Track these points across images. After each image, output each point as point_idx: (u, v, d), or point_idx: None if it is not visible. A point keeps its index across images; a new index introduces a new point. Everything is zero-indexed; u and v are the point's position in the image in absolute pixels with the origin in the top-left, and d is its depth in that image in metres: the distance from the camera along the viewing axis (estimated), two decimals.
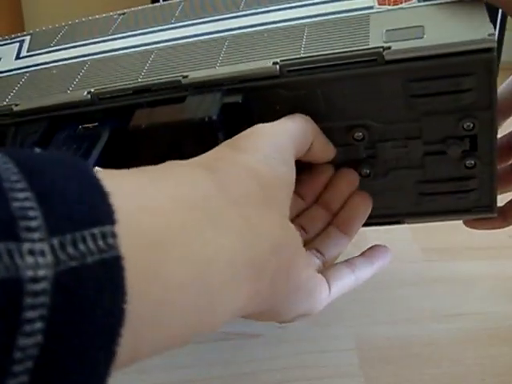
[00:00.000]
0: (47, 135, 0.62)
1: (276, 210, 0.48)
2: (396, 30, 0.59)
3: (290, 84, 0.59)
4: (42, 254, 0.30)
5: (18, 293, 0.29)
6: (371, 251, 0.61)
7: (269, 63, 0.59)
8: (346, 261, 0.59)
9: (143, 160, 0.59)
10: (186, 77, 0.61)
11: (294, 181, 0.52)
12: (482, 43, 0.54)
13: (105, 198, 0.34)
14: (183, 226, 0.39)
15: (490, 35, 0.54)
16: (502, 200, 0.65)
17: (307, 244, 0.60)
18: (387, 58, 0.56)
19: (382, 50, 0.56)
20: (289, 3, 0.67)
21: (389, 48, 0.56)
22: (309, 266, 0.54)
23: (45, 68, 0.70)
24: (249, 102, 0.59)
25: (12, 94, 0.67)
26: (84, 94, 0.63)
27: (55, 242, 0.30)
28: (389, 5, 0.63)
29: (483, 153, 0.60)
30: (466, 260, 0.80)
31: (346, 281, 0.57)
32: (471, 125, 0.58)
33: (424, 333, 0.73)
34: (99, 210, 0.33)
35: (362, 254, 0.61)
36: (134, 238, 0.35)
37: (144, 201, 0.38)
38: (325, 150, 0.59)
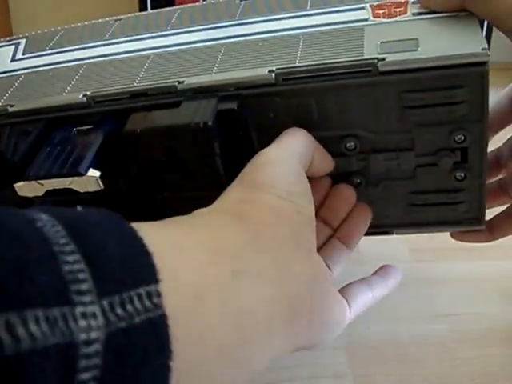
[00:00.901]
0: (42, 136, 0.62)
1: (305, 248, 0.49)
2: (390, 42, 0.60)
3: (284, 92, 0.59)
4: (94, 316, 0.30)
5: (73, 357, 0.29)
6: (385, 270, 0.62)
7: (264, 71, 0.60)
8: (363, 279, 0.60)
9: (138, 163, 0.61)
10: (182, 82, 0.61)
11: (314, 210, 0.52)
12: (475, 57, 0.55)
13: (148, 258, 0.35)
14: (220, 278, 0.40)
15: (483, 49, 0.55)
16: (489, 214, 0.65)
17: None
18: (381, 69, 0.57)
19: (376, 61, 0.57)
20: (285, 14, 0.68)
21: (383, 59, 0.57)
22: (336, 293, 0.55)
23: (41, 70, 0.70)
24: (244, 108, 0.59)
25: (7, 95, 0.67)
26: (80, 97, 0.63)
27: (105, 303, 0.31)
28: (383, 18, 0.64)
29: (473, 165, 0.61)
30: (455, 260, 0.80)
31: (364, 300, 0.58)
32: (462, 137, 0.59)
33: (414, 333, 0.74)
34: (143, 270, 0.34)
35: (377, 272, 0.62)
36: (176, 295, 0.36)
37: (182, 257, 0.39)
38: (325, 163, 0.60)
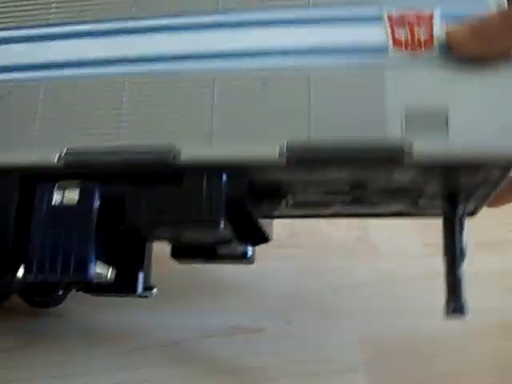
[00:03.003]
0: (24, 195, 0.58)
1: None
2: (417, 113, 0.53)
3: (295, 166, 0.54)
4: None
5: None
6: None
7: (275, 150, 0.54)
8: None
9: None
10: (178, 154, 0.55)
11: None
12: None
13: None
14: None
15: None
16: None
17: None
18: (407, 161, 0.52)
19: (402, 151, 0.52)
20: (281, 13, 0.58)
21: (410, 147, 0.52)
22: None
23: None
24: (252, 186, 0.57)
25: None
26: (55, 161, 0.56)
27: None
28: (406, 49, 0.55)
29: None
30: (468, 255, 0.78)
31: None
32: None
33: (429, 328, 0.73)
34: None
35: None
36: None
37: None
38: None
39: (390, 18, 0.56)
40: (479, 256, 0.81)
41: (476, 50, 0.53)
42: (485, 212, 0.63)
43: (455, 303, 0.61)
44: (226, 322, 0.75)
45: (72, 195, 0.57)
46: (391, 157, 0.52)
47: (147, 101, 0.57)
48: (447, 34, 0.54)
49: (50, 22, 0.61)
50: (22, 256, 0.56)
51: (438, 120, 0.53)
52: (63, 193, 0.57)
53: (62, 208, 0.56)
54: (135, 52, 0.59)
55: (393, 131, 0.53)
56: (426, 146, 0.52)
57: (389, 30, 0.56)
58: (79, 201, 0.56)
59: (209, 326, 0.75)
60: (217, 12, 0.59)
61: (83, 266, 0.54)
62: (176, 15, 0.59)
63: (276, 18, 0.58)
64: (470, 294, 0.80)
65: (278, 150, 0.53)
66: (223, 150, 0.55)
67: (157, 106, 0.57)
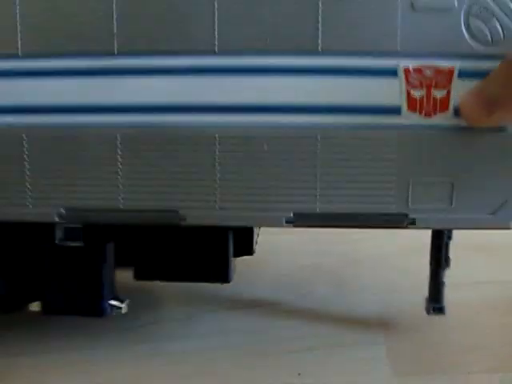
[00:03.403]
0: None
1: None
2: (423, 185, 0.55)
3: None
4: None
5: None
6: None
7: (281, 219, 0.56)
8: None
9: None
10: (184, 219, 0.56)
11: None
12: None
13: None
14: None
15: None
16: None
17: None
18: (410, 227, 0.56)
19: (405, 222, 0.56)
20: (290, 58, 0.54)
21: (413, 221, 0.56)
22: None
23: None
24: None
25: None
26: (55, 218, 0.57)
27: None
28: (419, 113, 0.54)
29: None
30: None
31: None
32: None
33: (446, 301, 0.72)
34: None
35: None
36: None
37: None
38: None
39: (406, 73, 0.53)
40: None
41: (486, 122, 0.53)
42: None
43: (436, 304, 0.67)
44: (246, 296, 0.76)
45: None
46: (394, 224, 0.56)
47: (144, 159, 0.56)
48: (460, 107, 0.53)
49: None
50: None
51: (443, 195, 0.55)
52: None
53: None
54: (128, 98, 0.55)
55: (398, 204, 0.55)
56: (428, 220, 0.56)
57: (404, 88, 0.53)
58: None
59: (224, 299, 0.75)
60: (214, 54, 0.54)
61: (96, 303, 0.62)
62: (173, 55, 0.54)
63: (282, 64, 0.54)
64: (485, 267, 0.81)
65: (284, 219, 0.56)
66: (228, 213, 0.56)
67: (156, 167, 0.56)
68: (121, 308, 0.62)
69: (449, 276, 0.74)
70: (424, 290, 0.69)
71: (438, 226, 0.58)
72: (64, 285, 0.61)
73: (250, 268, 0.79)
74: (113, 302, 0.62)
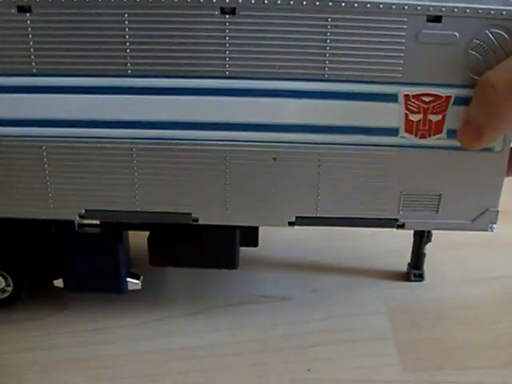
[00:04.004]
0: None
1: None
2: (413, 196, 0.61)
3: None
4: None
5: None
6: None
7: (284, 222, 0.62)
8: None
9: None
10: (197, 220, 0.62)
11: None
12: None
13: None
14: None
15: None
16: None
17: None
18: (399, 230, 0.63)
19: (395, 226, 0.62)
20: (298, 84, 0.57)
21: (402, 226, 0.62)
22: None
23: None
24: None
25: None
26: (77, 219, 0.62)
27: None
28: (415, 135, 0.58)
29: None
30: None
31: None
32: None
33: (456, 296, 0.72)
34: None
35: None
36: None
37: None
38: None
39: (406, 99, 0.57)
40: (509, 224, 0.79)
41: (480, 145, 0.56)
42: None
43: (417, 271, 0.75)
44: (254, 291, 0.75)
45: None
46: (384, 224, 0.63)
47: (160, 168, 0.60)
48: (457, 135, 0.57)
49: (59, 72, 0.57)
50: None
51: (431, 203, 0.61)
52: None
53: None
54: (143, 115, 0.58)
55: (390, 212, 0.61)
56: (416, 223, 0.62)
57: (403, 112, 0.57)
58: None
59: (236, 294, 0.74)
60: (225, 77, 0.56)
61: (116, 281, 0.68)
62: (184, 76, 0.56)
63: (290, 88, 0.56)
64: (494, 262, 0.80)
65: (287, 222, 0.62)
66: (237, 216, 0.62)
67: (171, 176, 0.60)
68: (137, 283, 0.69)
69: (459, 272, 0.75)
70: (432, 286, 0.69)
71: (424, 229, 0.67)
72: (84, 265, 0.66)
73: (259, 263, 0.78)
74: (129, 279, 0.68)
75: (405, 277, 0.77)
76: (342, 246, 0.79)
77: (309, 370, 0.64)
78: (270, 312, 0.72)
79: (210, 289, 0.74)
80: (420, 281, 0.75)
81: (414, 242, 0.74)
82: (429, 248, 0.72)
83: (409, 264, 0.76)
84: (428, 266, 0.74)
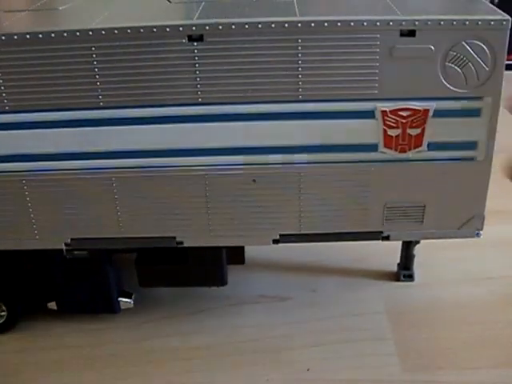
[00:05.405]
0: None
1: None
2: (397, 207, 0.61)
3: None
4: None
5: None
6: None
7: (268, 240, 0.62)
8: None
9: None
10: (181, 243, 0.62)
11: None
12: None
13: None
14: None
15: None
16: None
17: None
18: (384, 241, 0.63)
19: (380, 238, 0.62)
20: (273, 107, 0.56)
21: (388, 237, 0.62)
22: None
23: None
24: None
25: None
26: (63, 247, 0.62)
27: None
28: (395, 150, 0.57)
29: None
30: (495, 224, 0.74)
31: None
32: None
33: (455, 296, 0.69)
34: None
35: None
36: None
37: None
38: None
39: (383, 115, 0.56)
40: (507, 225, 0.79)
41: None
42: None
43: (407, 271, 0.75)
44: (254, 291, 0.75)
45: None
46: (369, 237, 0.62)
47: (141, 195, 0.60)
48: None
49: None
50: None
51: (415, 215, 0.61)
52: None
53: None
54: (120, 145, 0.57)
55: (374, 225, 0.61)
56: (401, 233, 0.62)
57: (381, 127, 0.56)
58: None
59: (236, 294, 0.74)
60: (198, 104, 0.56)
61: (108, 303, 0.69)
62: (157, 105, 0.56)
63: (263, 111, 0.56)
64: (494, 262, 0.79)
65: (271, 240, 0.62)
66: (221, 236, 0.62)
67: (152, 202, 0.60)
68: (130, 302, 0.69)
69: (459, 272, 0.74)
70: (434, 287, 0.69)
71: (410, 239, 0.67)
72: (75, 288, 0.67)
73: (258, 264, 0.78)
74: (121, 299, 0.69)
75: (396, 277, 0.76)
76: (342, 247, 0.79)
77: (308, 369, 0.64)
78: (270, 312, 0.72)
79: (210, 289, 0.73)
80: (410, 281, 0.75)
81: (402, 243, 0.73)
82: (428, 248, 0.71)
83: (398, 265, 0.76)
84: (427, 266, 0.74)
